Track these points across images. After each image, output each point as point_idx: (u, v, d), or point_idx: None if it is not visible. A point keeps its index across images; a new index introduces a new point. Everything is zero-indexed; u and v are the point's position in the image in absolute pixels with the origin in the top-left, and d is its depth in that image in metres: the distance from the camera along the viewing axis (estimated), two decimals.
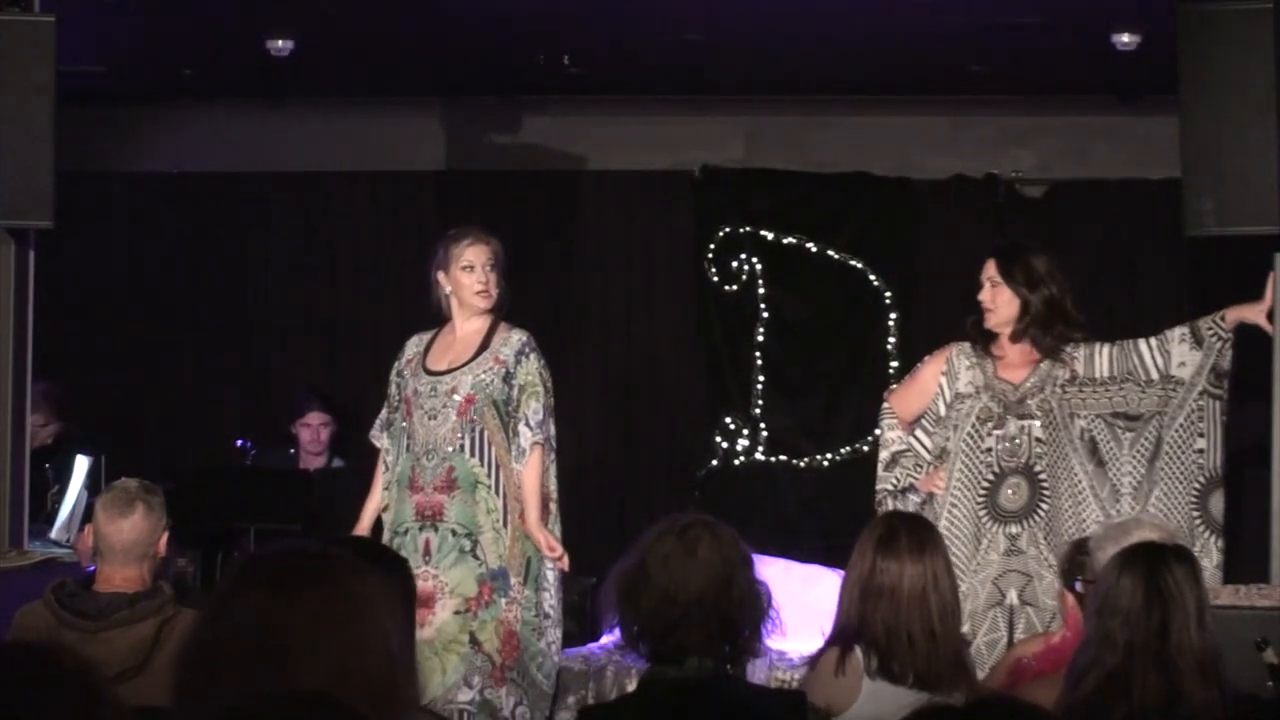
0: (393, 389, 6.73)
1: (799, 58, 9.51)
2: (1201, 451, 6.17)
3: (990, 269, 6.26)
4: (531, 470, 6.48)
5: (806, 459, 10.36)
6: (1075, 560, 4.88)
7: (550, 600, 6.51)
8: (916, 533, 4.48)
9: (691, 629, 3.81)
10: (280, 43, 9.18)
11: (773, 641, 4.02)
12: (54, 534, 7.87)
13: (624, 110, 10.47)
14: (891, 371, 10.01)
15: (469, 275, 6.58)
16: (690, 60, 9.56)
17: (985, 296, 6.25)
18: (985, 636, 6.03)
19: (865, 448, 9.91)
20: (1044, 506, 6.13)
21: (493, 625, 6.38)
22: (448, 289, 6.62)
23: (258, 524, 7.98)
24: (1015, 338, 6.22)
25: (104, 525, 4.91)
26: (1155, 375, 6.19)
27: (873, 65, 9.65)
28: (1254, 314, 6.24)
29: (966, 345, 6.29)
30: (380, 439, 6.71)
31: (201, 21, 9.04)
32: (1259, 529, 6.62)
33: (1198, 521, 6.15)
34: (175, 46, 9.54)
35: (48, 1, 7.13)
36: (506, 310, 6.67)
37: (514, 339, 6.58)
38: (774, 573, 5.73)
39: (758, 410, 10.39)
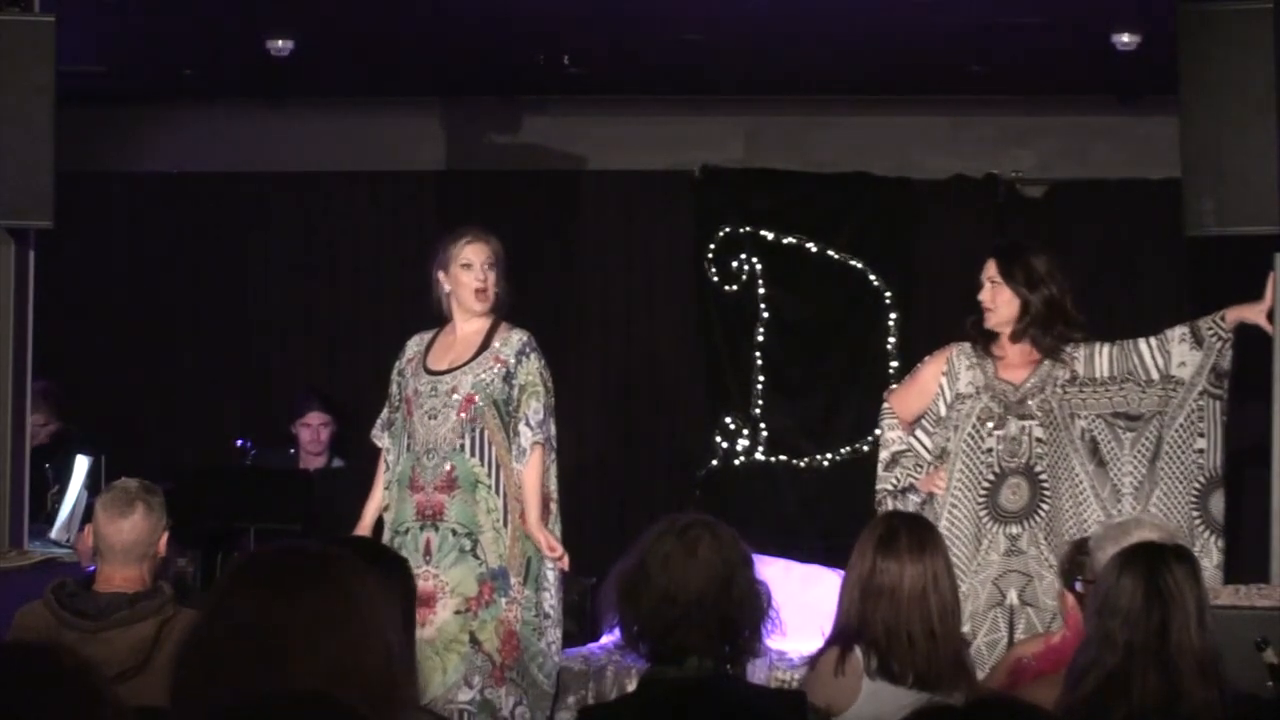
0: (393, 388, 6.73)
1: (799, 58, 9.51)
2: (1202, 451, 6.17)
3: (990, 269, 6.26)
4: (532, 470, 6.48)
5: (806, 459, 10.36)
6: (1075, 560, 4.88)
7: (550, 600, 6.51)
8: (917, 533, 4.48)
9: (691, 629, 3.81)
10: (280, 43, 9.19)
11: (773, 641, 4.02)
12: (54, 534, 7.87)
13: (624, 110, 10.47)
14: (891, 371, 10.01)
15: (467, 273, 6.58)
16: (690, 60, 9.56)
17: (985, 296, 6.25)
18: (986, 637, 6.03)
19: (865, 448, 9.91)
20: (1044, 507, 6.13)
21: (493, 625, 6.38)
22: (447, 288, 6.62)
23: (258, 524, 7.98)
24: (1015, 338, 6.22)
25: (104, 525, 4.91)
26: (1155, 375, 6.20)
27: (873, 65, 9.65)
28: (1254, 314, 6.24)
29: (967, 345, 6.29)
30: (381, 438, 6.72)
31: (201, 21, 9.04)
32: (1259, 529, 6.62)
33: (1198, 521, 6.15)
34: (175, 46, 9.54)
35: (48, 1, 7.13)
36: (507, 310, 6.67)
37: (514, 339, 6.58)
38: (774, 573, 5.73)
39: (758, 410, 10.39)
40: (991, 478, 6.16)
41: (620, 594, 3.88)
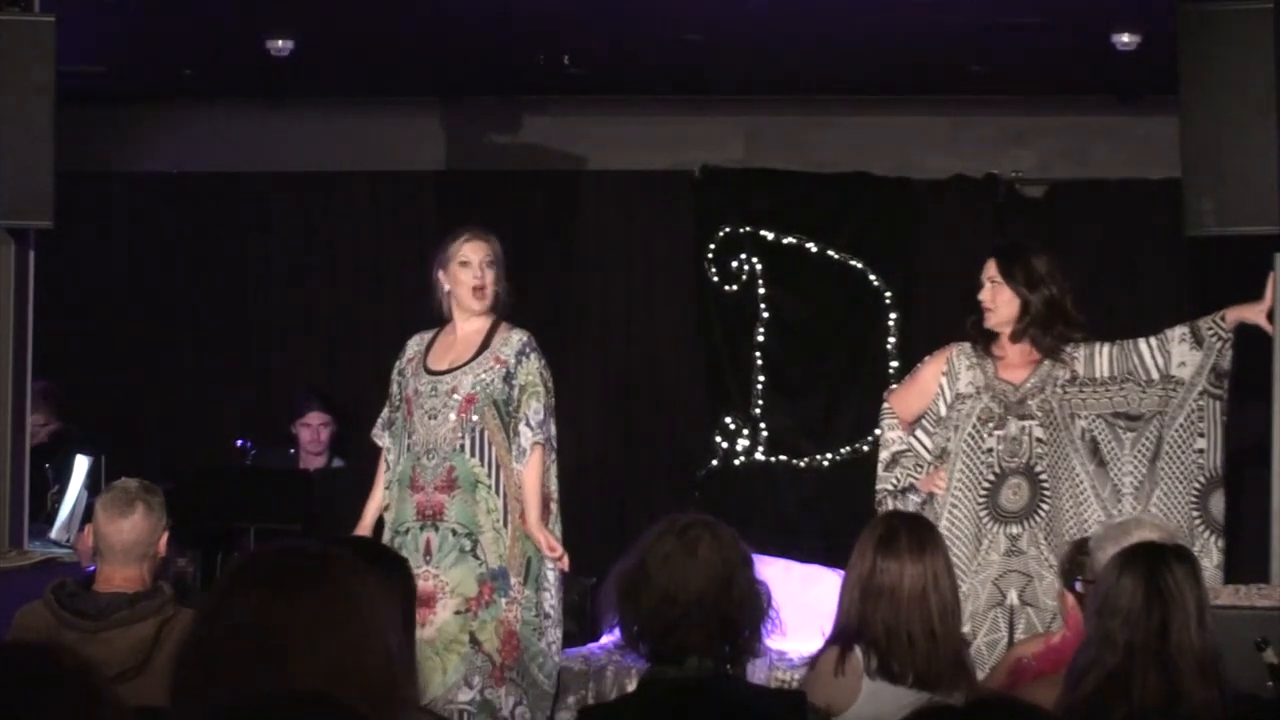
0: (394, 388, 6.73)
1: (799, 58, 9.51)
2: (1202, 451, 6.17)
3: (990, 269, 6.26)
4: (532, 470, 6.47)
5: (806, 459, 10.36)
6: (1075, 560, 4.88)
7: (551, 600, 6.51)
8: (917, 532, 4.48)
9: (691, 629, 3.80)
10: (280, 43, 9.19)
11: (773, 641, 4.02)
12: (54, 534, 7.87)
13: (624, 110, 10.47)
14: (891, 371, 10.01)
15: (465, 271, 6.58)
16: (690, 60, 9.56)
17: (985, 296, 6.25)
18: (986, 637, 6.03)
19: (865, 448, 9.91)
20: (1044, 507, 6.13)
21: (493, 625, 6.38)
22: (447, 287, 6.62)
23: (258, 524, 7.98)
24: (1015, 338, 6.22)
25: (104, 525, 4.91)
26: (1155, 375, 6.20)
27: (873, 65, 9.65)
28: (1254, 314, 6.24)
29: (967, 345, 6.29)
30: (382, 438, 6.71)
31: (201, 21, 9.04)
32: (1259, 529, 6.62)
33: (1198, 521, 6.15)
34: (175, 46, 9.54)
35: (48, 1, 7.13)
36: (508, 311, 6.67)
37: (514, 339, 6.57)
38: (774, 573, 5.73)
39: (758, 410, 10.39)
40: (992, 478, 6.16)
41: (620, 594, 3.88)
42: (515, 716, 6.40)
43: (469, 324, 6.62)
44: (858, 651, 4.38)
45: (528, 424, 6.49)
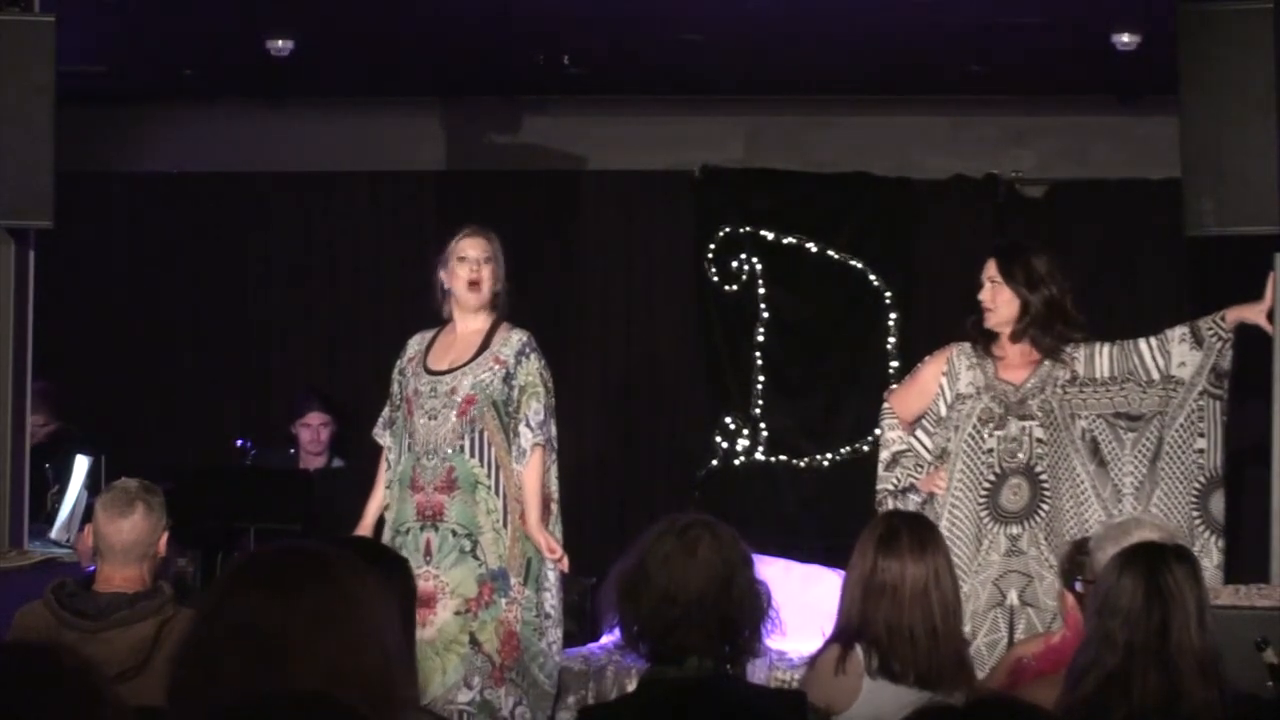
0: (394, 388, 6.73)
1: (799, 58, 9.51)
2: (1202, 451, 6.17)
3: (990, 268, 6.26)
4: (532, 471, 6.47)
5: (806, 459, 10.36)
6: (1075, 560, 4.87)
7: (551, 600, 6.50)
8: (918, 532, 4.48)
9: (691, 629, 3.80)
10: (280, 43, 9.19)
11: (773, 641, 4.02)
12: (54, 534, 7.87)
13: (624, 110, 10.47)
14: (891, 371, 10.01)
15: (462, 266, 6.58)
16: (690, 60, 9.56)
17: (985, 296, 6.25)
18: (986, 637, 6.03)
19: (865, 448, 9.91)
20: (1045, 507, 6.13)
21: (492, 625, 6.38)
22: (447, 285, 6.62)
23: (258, 524, 7.98)
24: (1015, 338, 6.22)
25: (104, 525, 4.91)
26: (1156, 375, 6.19)
27: (873, 65, 9.65)
28: (1254, 314, 6.24)
29: (967, 346, 6.29)
30: (383, 437, 6.71)
31: (201, 21, 9.04)
32: (1259, 529, 6.62)
33: (1198, 521, 6.15)
34: (175, 46, 9.54)
35: (48, 1, 7.13)
36: (507, 311, 6.67)
37: (514, 339, 6.57)
38: (774, 573, 5.72)
39: (758, 410, 10.39)
40: (992, 478, 6.16)
41: (620, 594, 3.88)
42: (515, 717, 6.40)
43: (469, 324, 6.62)
44: (859, 651, 4.38)
45: (528, 425, 6.49)
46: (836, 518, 9.59)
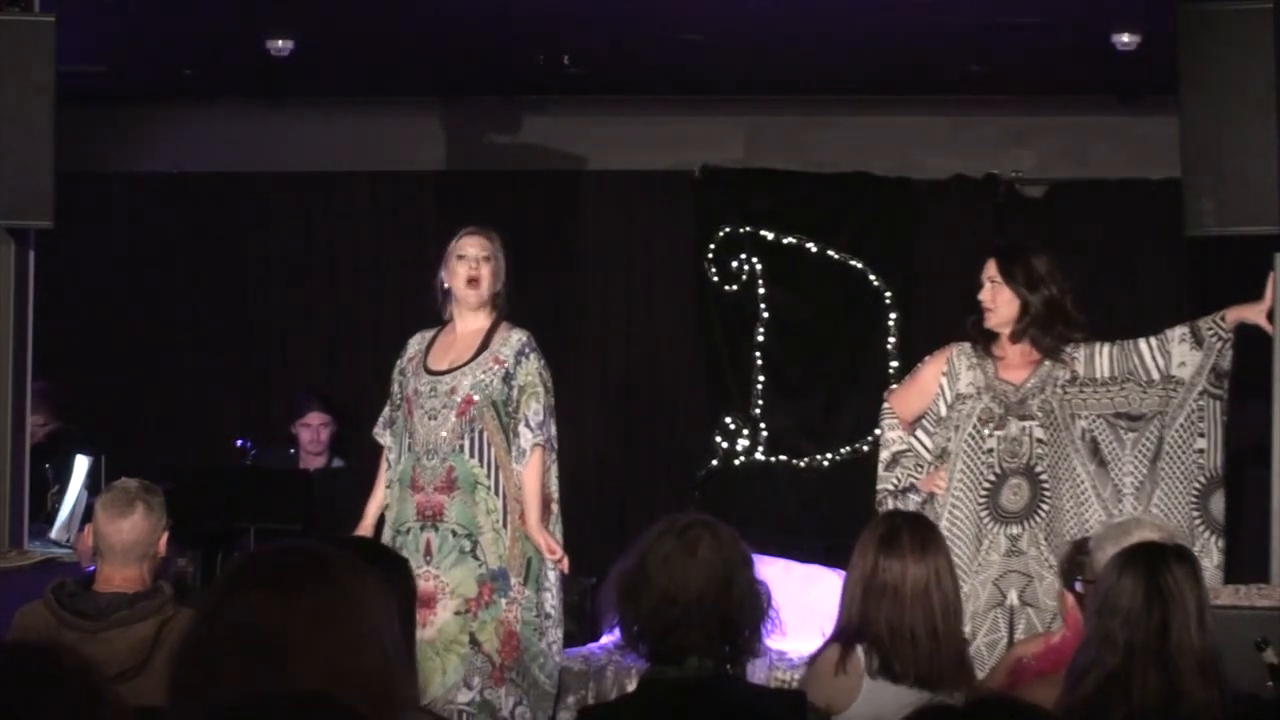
0: (395, 387, 6.72)
1: (799, 58, 9.51)
2: (1202, 451, 6.17)
3: (991, 268, 6.25)
4: (532, 471, 6.47)
5: (806, 459, 10.36)
6: (1075, 560, 4.87)
7: (551, 600, 6.50)
8: (919, 532, 4.48)
9: (691, 629, 3.80)
10: (280, 43, 9.19)
11: (773, 641, 4.02)
12: (54, 534, 7.87)
13: (624, 110, 10.47)
14: (891, 371, 10.01)
15: (461, 264, 6.59)
16: (690, 60, 9.56)
17: (985, 296, 6.24)
18: (986, 637, 6.03)
19: (865, 448, 9.91)
20: (1045, 507, 6.13)
21: (492, 626, 6.38)
22: (447, 285, 6.62)
23: (258, 524, 7.97)
24: (1015, 338, 6.22)
25: (104, 525, 4.91)
26: (1156, 375, 6.19)
27: (873, 65, 9.65)
28: (1254, 314, 6.24)
29: (967, 346, 6.29)
30: (383, 436, 6.71)
31: (201, 21, 9.04)
32: (1259, 529, 6.62)
33: (1198, 521, 6.15)
34: (175, 46, 9.54)
35: (48, 1, 7.13)
36: (507, 311, 6.66)
37: (514, 339, 6.57)
38: (774, 573, 5.72)
39: (758, 410, 10.39)
40: (992, 478, 6.16)
41: (620, 594, 3.88)
42: (515, 717, 6.40)
43: (469, 324, 6.62)
44: (859, 651, 4.38)
45: (527, 425, 6.49)
46: (836, 518, 9.60)
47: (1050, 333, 6.18)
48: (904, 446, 6.31)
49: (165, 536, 4.98)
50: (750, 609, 3.87)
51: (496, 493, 6.46)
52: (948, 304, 8.54)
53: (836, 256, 10.42)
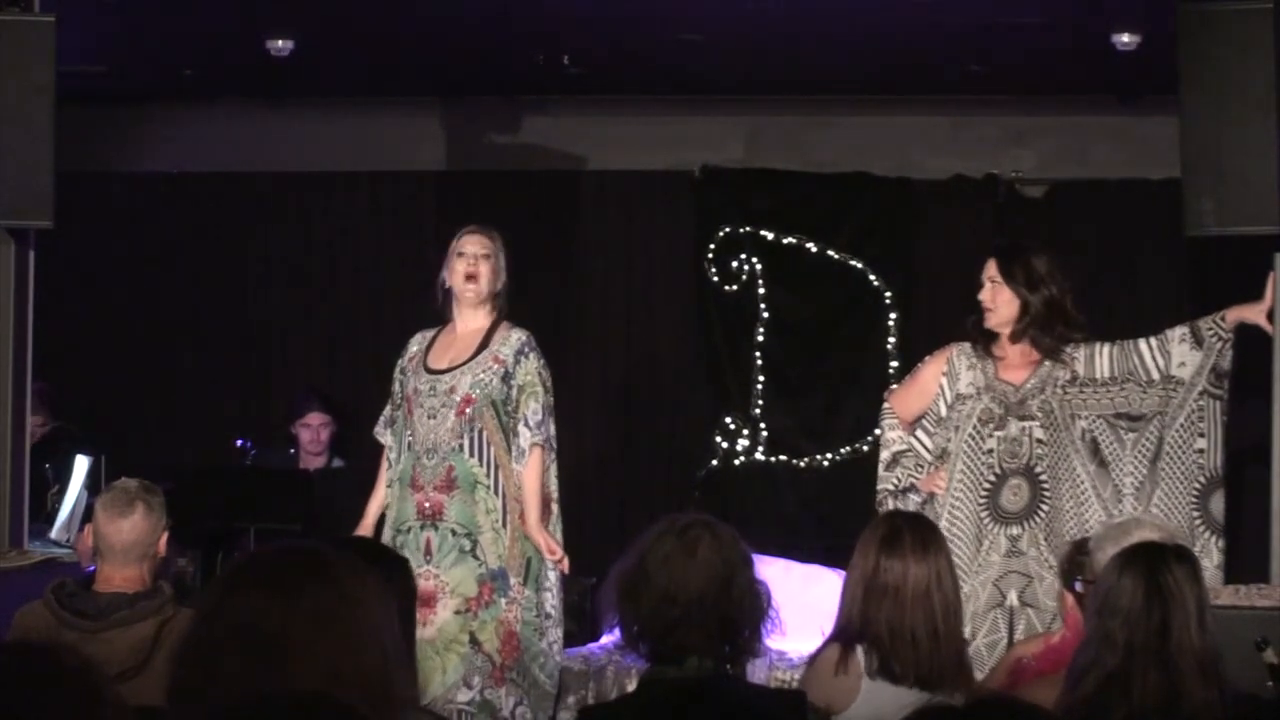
0: (395, 386, 6.73)
1: (799, 58, 9.51)
2: (1202, 451, 6.17)
3: (991, 268, 6.25)
4: (531, 471, 6.47)
5: (806, 459, 10.36)
6: (1075, 560, 4.87)
7: (552, 600, 6.50)
8: (920, 532, 4.48)
9: (691, 629, 3.80)
10: (280, 43, 9.19)
11: (773, 641, 4.01)
12: (54, 534, 7.87)
13: (624, 110, 10.47)
14: (891, 371, 10.01)
15: (460, 262, 6.60)
16: (690, 60, 9.56)
17: (985, 296, 6.24)
18: (985, 638, 6.03)
19: (865, 448, 9.91)
20: (1044, 507, 6.13)
21: (492, 625, 6.38)
22: (449, 284, 6.63)
23: (258, 524, 7.97)
24: (1015, 338, 6.22)
25: (104, 525, 4.90)
26: (1156, 375, 6.19)
27: (873, 65, 9.65)
28: (1254, 314, 6.24)
29: (967, 346, 6.28)
30: (384, 436, 6.71)
31: (201, 21, 9.04)
32: (1259, 529, 6.62)
33: (1198, 521, 6.15)
34: (175, 46, 9.54)
35: (48, 1, 7.13)
36: (507, 310, 6.67)
37: (513, 338, 6.57)
38: (774, 573, 5.72)
39: (758, 410, 10.39)
40: (992, 479, 6.16)
41: (620, 594, 3.88)
42: (515, 717, 6.40)
43: (470, 323, 6.62)
44: (859, 651, 4.38)
45: (526, 424, 6.49)
46: (836, 518, 9.60)
47: (1050, 333, 6.18)
48: (904, 446, 6.30)
49: (165, 536, 4.98)
50: (750, 609, 3.86)
51: (496, 492, 6.46)
52: (948, 304, 8.54)
53: (836, 256, 10.42)
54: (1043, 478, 6.14)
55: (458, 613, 6.37)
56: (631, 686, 5.41)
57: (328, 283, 10.67)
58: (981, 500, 6.15)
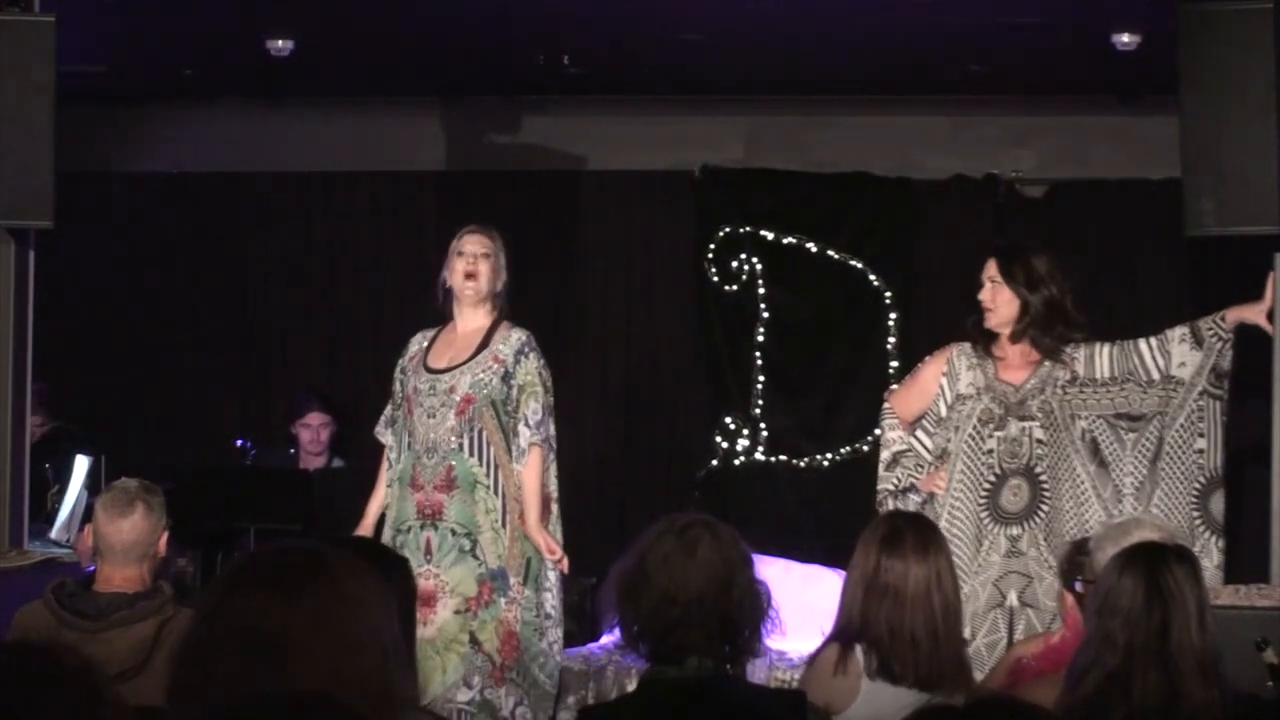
0: (396, 386, 6.73)
1: (799, 58, 9.51)
2: (1202, 452, 6.16)
3: (991, 268, 6.25)
4: (531, 471, 6.47)
5: (806, 459, 10.36)
6: (1075, 560, 4.87)
7: (552, 600, 6.50)
8: (921, 533, 4.48)
9: (691, 629, 3.80)
10: (280, 43, 9.19)
11: (773, 641, 4.01)
12: (54, 534, 7.87)
13: (624, 110, 10.47)
14: (891, 371, 10.01)
15: (460, 261, 6.60)
16: (690, 60, 9.56)
17: (985, 296, 6.24)
18: (985, 638, 6.03)
19: (865, 448, 9.91)
20: (1044, 508, 6.12)
21: (492, 625, 6.38)
22: (449, 283, 6.63)
23: (258, 524, 7.98)
24: (1015, 338, 6.21)
25: (104, 525, 4.91)
26: (1156, 375, 6.19)
27: (873, 65, 9.65)
28: (1254, 314, 6.24)
29: (967, 346, 6.28)
30: (385, 435, 6.72)
31: (201, 21, 9.04)
32: (1259, 529, 6.62)
33: (1198, 522, 6.14)
34: (175, 46, 9.54)
35: (48, 1, 7.13)
36: (507, 310, 6.67)
37: (514, 338, 6.57)
38: (774, 573, 5.72)
39: (758, 410, 10.39)
40: (992, 479, 6.16)
41: (620, 594, 3.88)
42: (515, 717, 6.40)
43: (470, 322, 6.62)
44: (858, 652, 4.38)
45: (526, 424, 6.49)
46: (836, 518, 9.60)
47: (1050, 333, 6.17)
48: (904, 447, 6.30)
49: (165, 536, 4.98)
50: (750, 609, 3.86)
51: (496, 492, 6.46)
52: (948, 304, 8.54)
53: (836, 256, 10.42)
54: (1043, 478, 6.14)
55: (457, 612, 6.38)
56: (631, 686, 5.41)
57: (328, 283, 10.67)
58: (981, 500, 6.15)
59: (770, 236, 10.42)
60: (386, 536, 6.49)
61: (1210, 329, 6.18)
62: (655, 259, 10.59)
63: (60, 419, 9.25)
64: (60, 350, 9.25)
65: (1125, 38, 8.88)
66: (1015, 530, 6.12)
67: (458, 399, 6.49)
